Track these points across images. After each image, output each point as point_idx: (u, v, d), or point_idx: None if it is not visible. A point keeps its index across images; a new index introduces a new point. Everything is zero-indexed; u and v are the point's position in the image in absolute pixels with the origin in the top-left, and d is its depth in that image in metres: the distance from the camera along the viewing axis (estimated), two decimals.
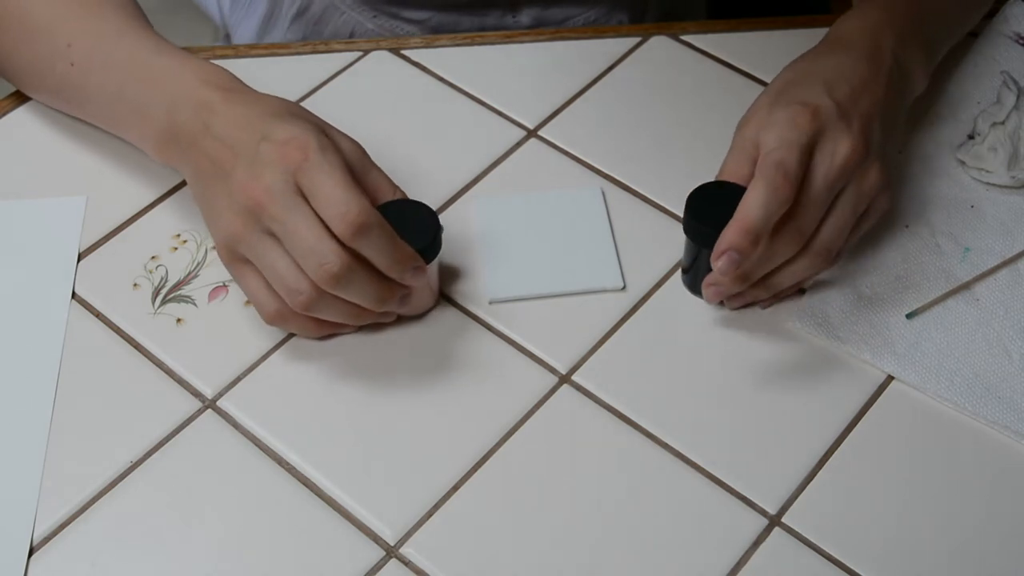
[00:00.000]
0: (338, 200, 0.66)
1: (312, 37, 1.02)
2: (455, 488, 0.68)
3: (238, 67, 0.78)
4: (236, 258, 0.70)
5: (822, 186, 0.70)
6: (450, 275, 0.78)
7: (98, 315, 0.76)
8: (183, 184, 0.83)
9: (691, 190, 0.73)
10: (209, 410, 0.72)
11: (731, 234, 0.67)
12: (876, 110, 0.73)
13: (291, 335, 0.75)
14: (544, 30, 0.95)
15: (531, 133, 0.86)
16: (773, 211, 0.68)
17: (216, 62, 0.77)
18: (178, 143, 0.74)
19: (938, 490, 0.69)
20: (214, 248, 0.79)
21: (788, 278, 0.73)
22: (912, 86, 0.80)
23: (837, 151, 0.70)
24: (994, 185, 0.82)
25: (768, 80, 0.89)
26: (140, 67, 0.77)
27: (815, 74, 0.74)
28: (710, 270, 0.74)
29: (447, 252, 0.78)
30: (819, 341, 0.75)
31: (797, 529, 0.67)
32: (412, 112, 0.88)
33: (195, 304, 0.76)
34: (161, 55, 0.77)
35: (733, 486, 0.69)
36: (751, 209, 0.67)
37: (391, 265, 0.68)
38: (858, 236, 0.75)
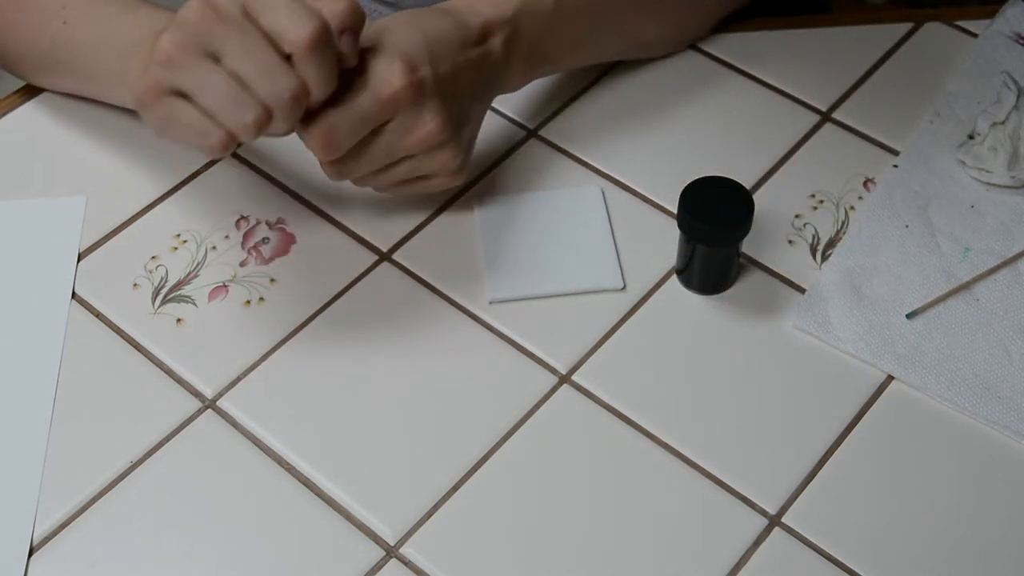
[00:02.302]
0: (283, 22, 0.65)
1: None
2: (455, 488, 0.68)
3: None
4: (163, 92, 0.67)
5: (369, 106, 0.70)
6: (450, 275, 0.78)
7: (98, 315, 0.76)
8: (183, 183, 0.83)
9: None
10: (209, 410, 0.72)
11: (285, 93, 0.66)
12: (470, 94, 0.75)
13: (291, 335, 0.75)
14: None
15: (531, 133, 0.86)
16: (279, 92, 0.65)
17: None
18: None
19: (938, 490, 0.69)
20: (214, 249, 0.79)
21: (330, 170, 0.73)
22: (509, 80, 0.80)
23: (413, 122, 0.71)
24: (994, 185, 0.82)
25: (768, 80, 0.89)
26: (120, 22, 0.77)
27: (422, 35, 0.73)
28: (705, 266, 0.75)
29: (448, 251, 0.78)
30: (819, 341, 0.75)
31: (797, 529, 0.67)
32: None
33: (195, 304, 0.76)
34: (135, 13, 0.78)
35: (733, 486, 0.69)
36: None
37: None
38: (403, 187, 0.76)
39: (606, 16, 0.84)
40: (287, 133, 0.68)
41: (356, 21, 0.68)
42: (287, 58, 0.65)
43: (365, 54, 0.71)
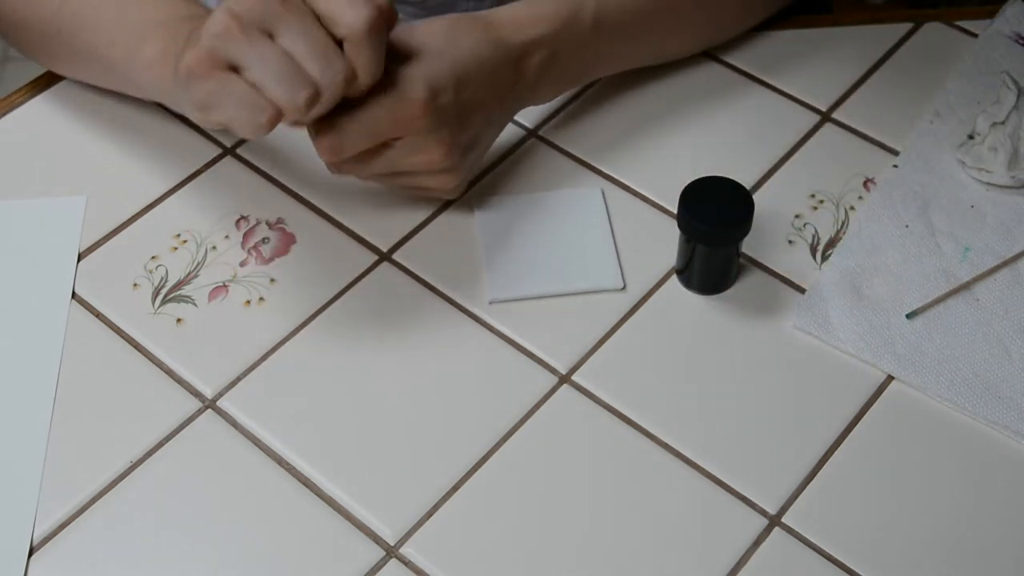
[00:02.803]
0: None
1: None
2: (455, 488, 0.68)
3: None
4: (216, 64, 0.66)
5: (382, 122, 0.70)
6: (450, 275, 0.78)
7: (98, 315, 0.76)
8: (183, 183, 0.83)
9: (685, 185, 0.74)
10: (209, 410, 0.72)
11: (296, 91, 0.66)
12: (487, 119, 0.76)
13: (290, 335, 0.75)
14: None
15: (531, 133, 0.86)
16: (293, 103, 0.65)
17: None
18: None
19: (938, 490, 0.69)
20: (214, 249, 0.79)
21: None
22: (534, 100, 0.81)
23: (421, 147, 0.72)
24: (994, 185, 0.82)
25: (768, 79, 0.89)
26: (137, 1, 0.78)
27: (453, 57, 0.73)
28: (705, 266, 0.75)
29: (448, 251, 0.78)
30: (819, 341, 0.75)
31: (797, 529, 0.67)
32: None
33: (195, 304, 0.76)
34: None
35: (733, 486, 0.69)
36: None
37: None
38: (399, 189, 0.79)
39: (639, 34, 0.84)
40: (318, 116, 0.68)
41: (392, 19, 0.68)
42: (338, 43, 0.66)
43: (393, 63, 0.71)
